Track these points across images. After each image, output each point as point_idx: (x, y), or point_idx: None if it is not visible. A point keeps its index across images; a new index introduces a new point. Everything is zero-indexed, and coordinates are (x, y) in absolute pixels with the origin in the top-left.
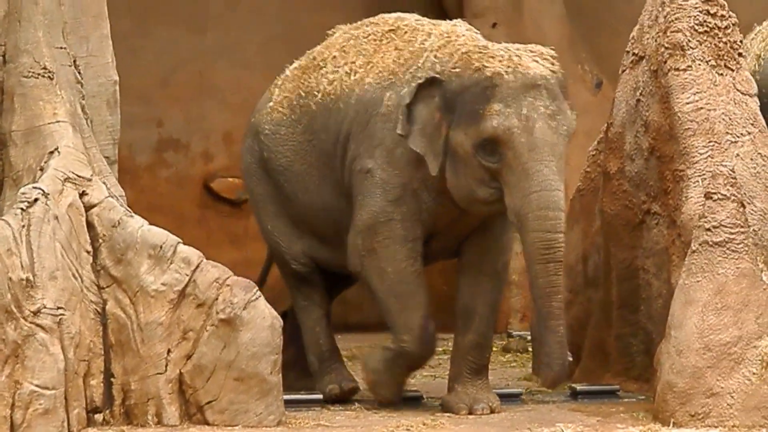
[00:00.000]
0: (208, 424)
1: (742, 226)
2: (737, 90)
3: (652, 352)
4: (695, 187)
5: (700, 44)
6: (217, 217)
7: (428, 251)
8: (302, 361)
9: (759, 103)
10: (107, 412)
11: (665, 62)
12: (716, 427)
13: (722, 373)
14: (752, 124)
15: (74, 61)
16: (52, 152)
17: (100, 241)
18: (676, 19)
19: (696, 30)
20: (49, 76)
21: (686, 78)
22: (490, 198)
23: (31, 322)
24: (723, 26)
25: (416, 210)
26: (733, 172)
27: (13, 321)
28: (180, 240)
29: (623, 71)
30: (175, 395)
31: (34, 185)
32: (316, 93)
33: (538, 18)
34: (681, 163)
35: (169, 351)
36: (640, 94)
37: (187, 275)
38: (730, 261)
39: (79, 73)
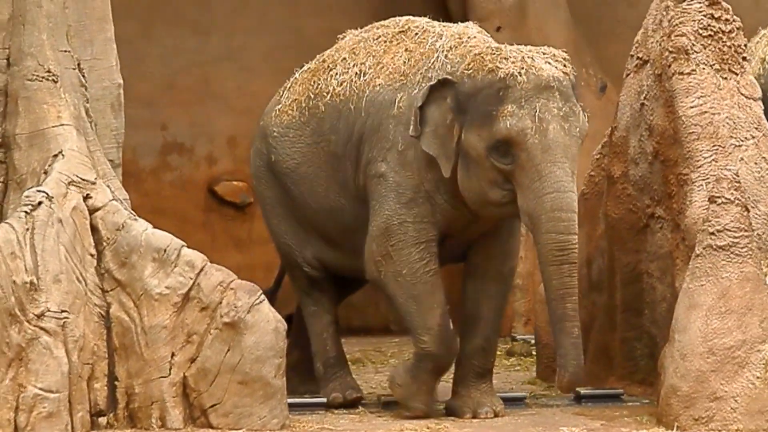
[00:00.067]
0: (212, 427)
1: (746, 230)
2: (741, 94)
3: (656, 356)
4: (699, 191)
5: (705, 48)
6: (222, 220)
7: (437, 255)
8: (306, 364)
9: (763, 107)
10: (111, 415)
11: (669, 66)
12: (720, 430)
13: (726, 376)
14: (756, 128)
15: (78, 65)
16: (56, 155)
17: (104, 244)
18: (680, 23)
19: (700, 34)
20: (53, 80)
21: (690, 82)
22: (503, 200)
23: (35, 326)
24: (727, 30)
25: (430, 212)
26: (737, 176)
27: (17, 324)
28: (184, 243)
29: (627, 75)
30: (179, 398)
31: (38, 188)
32: (325, 94)
33: (542, 22)
34: (685, 167)
35: (173, 354)
36: (645, 98)
37: (191, 279)
38: (734, 265)
39: (84, 76)
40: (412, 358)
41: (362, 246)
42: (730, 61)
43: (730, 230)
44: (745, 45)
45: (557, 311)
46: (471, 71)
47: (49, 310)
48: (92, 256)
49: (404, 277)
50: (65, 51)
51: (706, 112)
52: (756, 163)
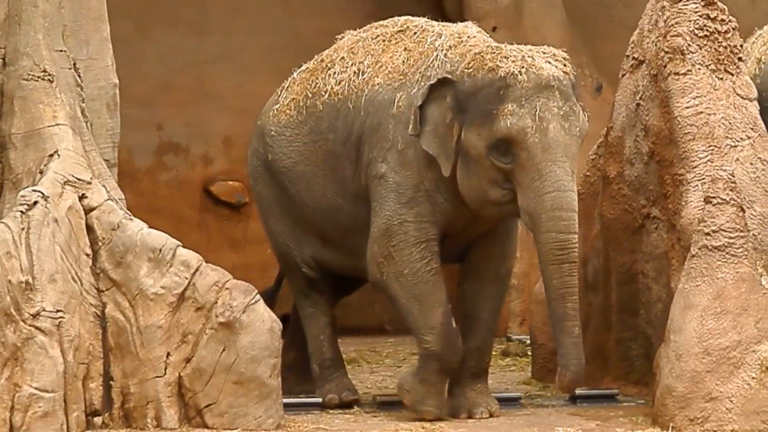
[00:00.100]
0: (207, 427)
1: (741, 231)
2: (737, 94)
3: (651, 357)
4: (695, 191)
5: (700, 48)
6: (217, 220)
7: (439, 254)
8: (302, 364)
9: (759, 108)
10: (106, 415)
11: (665, 66)
12: (715, 431)
13: (721, 377)
14: (752, 129)
15: (74, 64)
16: (51, 155)
17: (100, 244)
18: (676, 23)
19: (696, 34)
20: (49, 79)
21: (686, 82)
22: (503, 199)
23: (30, 325)
24: (723, 30)
25: (430, 211)
26: (733, 176)
27: (12, 324)
28: (179, 243)
29: (623, 75)
30: (174, 398)
31: (34, 188)
32: (323, 93)
33: (538, 22)
34: (681, 167)
35: (168, 354)
36: (640, 98)
37: (187, 278)
38: (730, 265)
39: (79, 76)
40: (417, 360)
41: (359, 246)
42: (725, 62)
43: (725, 231)
44: (741, 45)
45: (558, 311)
46: (471, 70)
47: (44, 310)
48: (88, 255)
49: (406, 277)
50: (61, 51)
51: (701, 112)
52: (751, 164)
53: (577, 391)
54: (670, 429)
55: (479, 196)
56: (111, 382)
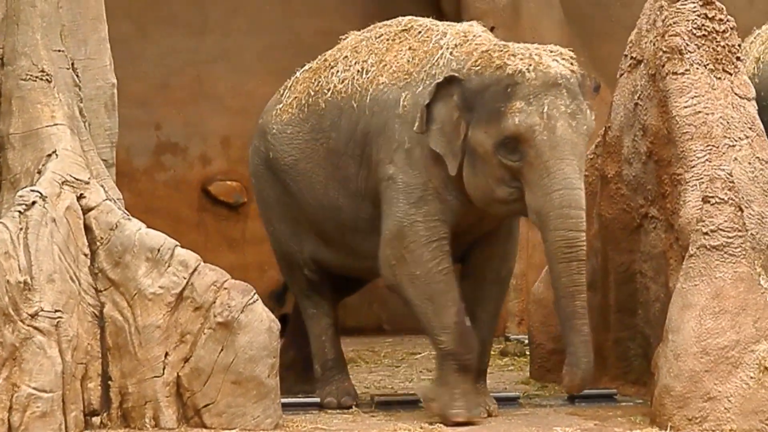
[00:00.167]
0: (205, 427)
1: (739, 230)
2: (735, 94)
3: (649, 356)
4: (693, 190)
5: (698, 48)
6: (215, 220)
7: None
8: (302, 364)
9: (757, 107)
10: (105, 415)
11: (663, 66)
12: (714, 431)
13: (720, 377)
14: (750, 128)
15: (72, 64)
16: (49, 155)
17: (98, 244)
18: (674, 23)
19: (694, 34)
20: (47, 79)
21: (684, 82)
22: (509, 198)
23: (28, 325)
24: (721, 30)
25: (440, 209)
26: (731, 175)
27: (10, 324)
28: (177, 243)
29: (621, 75)
30: (172, 398)
31: (32, 188)
32: (326, 91)
33: (536, 22)
34: (679, 166)
35: (166, 354)
36: (638, 97)
37: (185, 278)
38: (728, 265)
39: (77, 76)
40: (436, 365)
41: (359, 245)
42: (724, 61)
43: (723, 230)
44: (739, 45)
45: (567, 309)
46: (479, 68)
47: (42, 310)
48: (86, 255)
49: (418, 278)
50: (59, 51)
51: (699, 112)
52: (750, 163)
53: None
54: (668, 429)
55: (486, 194)
56: (109, 382)
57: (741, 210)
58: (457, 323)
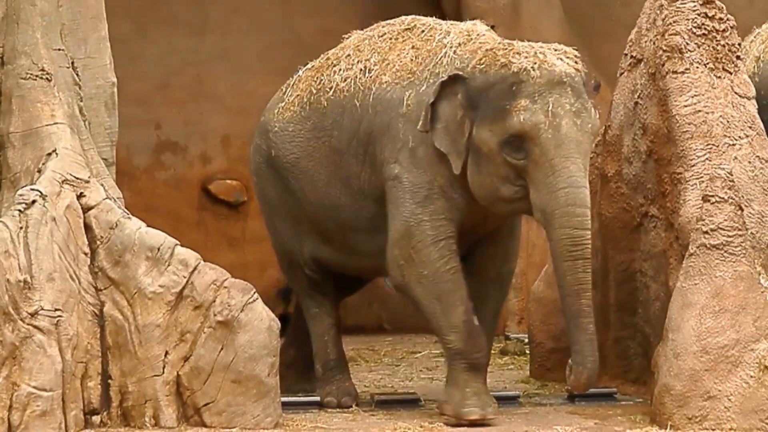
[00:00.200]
0: (205, 426)
1: (739, 229)
2: (735, 93)
3: (649, 355)
4: (693, 189)
5: (698, 47)
6: (215, 219)
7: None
8: (302, 363)
9: (757, 106)
10: (104, 414)
11: (663, 65)
12: (714, 430)
13: (720, 376)
14: (750, 127)
15: (72, 63)
16: (49, 154)
17: (98, 242)
18: (674, 22)
19: (694, 33)
20: (47, 78)
21: (684, 81)
22: (514, 196)
23: (28, 324)
24: (721, 29)
25: (446, 208)
26: (731, 175)
27: (10, 323)
28: (177, 242)
29: (621, 74)
30: (172, 397)
31: (32, 187)
32: (328, 90)
33: (536, 21)
34: (679, 165)
35: (166, 353)
36: (638, 96)
37: (185, 277)
38: (728, 264)
39: (77, 74)
40: (446, 367)
41: (359, 244)
42: (723, 60)
43: (723, 229)
44: (739, 44)
45: (572, 307)
46: (483, 66)
47: (42, 309)
48: (86, 254)
49: (426, 278)
50: (59, 49)
51: (699, 110)
52: (750, 162)
53: None
54: (668, 428)
55: (490, 192)
56: (109, 381)
57: (741, 209)
58: (466, 322)
